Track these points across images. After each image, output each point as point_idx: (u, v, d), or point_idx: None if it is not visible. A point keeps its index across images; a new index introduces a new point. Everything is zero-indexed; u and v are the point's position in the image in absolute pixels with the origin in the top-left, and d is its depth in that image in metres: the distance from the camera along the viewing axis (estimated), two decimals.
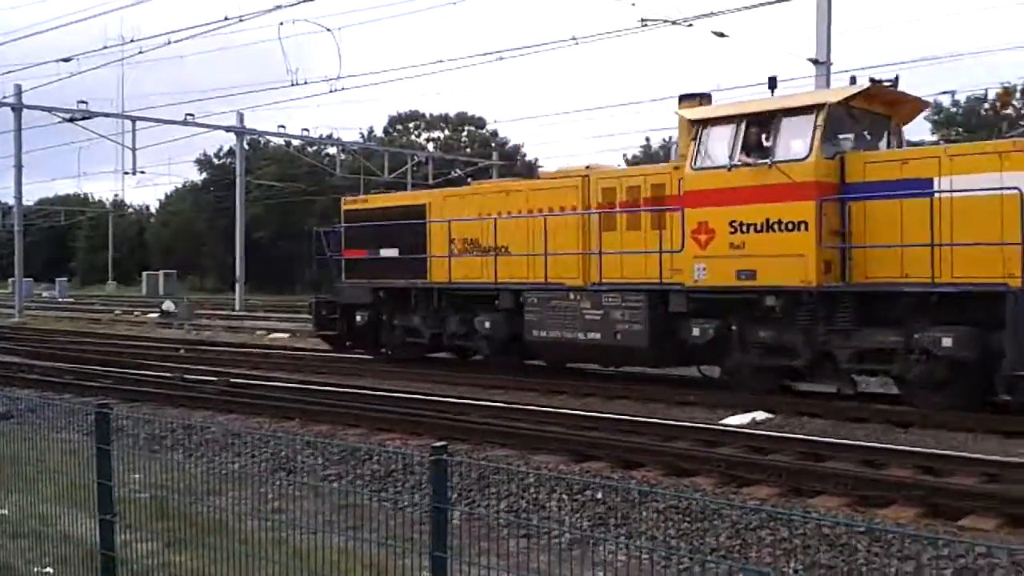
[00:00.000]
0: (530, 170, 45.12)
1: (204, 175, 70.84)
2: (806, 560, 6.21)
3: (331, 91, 29.77)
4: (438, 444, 4.12)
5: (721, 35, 21.29)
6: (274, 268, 57.39)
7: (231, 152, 55.10)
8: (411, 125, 66.85)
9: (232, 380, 14.68)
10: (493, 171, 41.36)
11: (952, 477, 7.96)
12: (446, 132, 65.47)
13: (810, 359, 12.03)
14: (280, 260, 56.87)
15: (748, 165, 12.17)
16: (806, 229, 11.66)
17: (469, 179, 29.91)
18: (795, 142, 11.95)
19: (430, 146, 59.45)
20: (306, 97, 60.13)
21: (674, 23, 20.90)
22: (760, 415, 11.28)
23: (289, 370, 16.97)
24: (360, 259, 17.72)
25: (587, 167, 15.28)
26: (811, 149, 11.65)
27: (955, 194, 10.80)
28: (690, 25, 21.01)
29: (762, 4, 19.87)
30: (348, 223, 18.08)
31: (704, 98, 13.63)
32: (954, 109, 44.05)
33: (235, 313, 34.98)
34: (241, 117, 37.45)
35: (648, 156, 54.14)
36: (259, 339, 24.63)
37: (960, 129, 40.43)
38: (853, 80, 12.63)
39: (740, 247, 12.30)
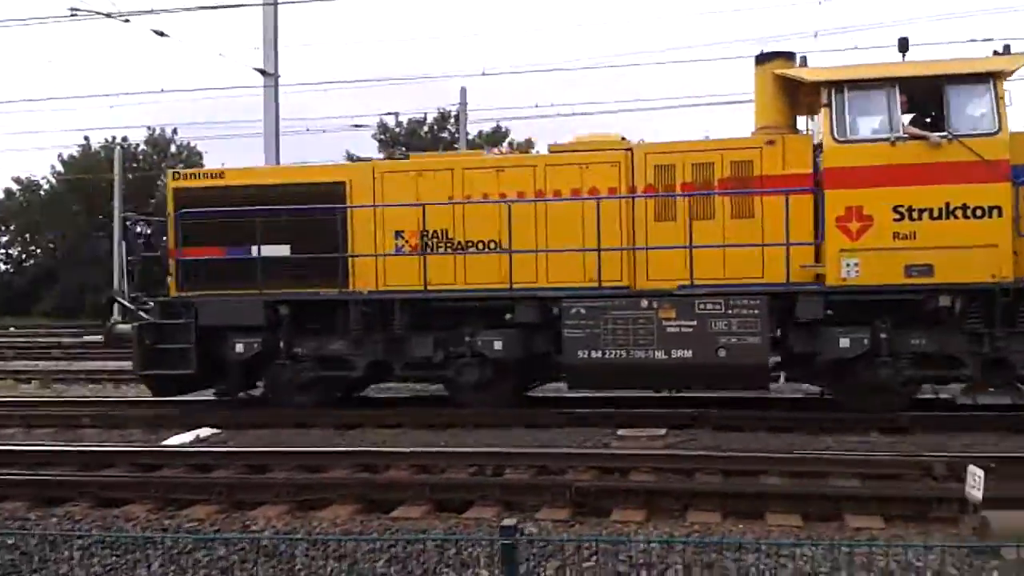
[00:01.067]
0: None
1: None
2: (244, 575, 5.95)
3: None
4: None
5: (161, 34, 20.26)
6: None
7: None
8: None
9: None
10: None
11: (387, 472, 8.38)
12: None
13: (979, 368, 10.42)
14: None
15: (920, 139, 10.31)
16: (1000, 215, 10.06)
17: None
18: (972, 113, 10.36)
19: None
20: None
21: (108, 16, 19.36)
22: (205, 431, 10.81)
23: None
24: (215, 261, 12.18)
25: (623, 138, 11.90)
26: (999, 122, 10.11)
27: None
28: (127, 20, 19.67)
29: (206, 7, 19.33)
30: (186, 209, 12.29)
31: (789, 57, 11.40)
32: (397, 128, 48.59)
33: None
34: None
35: (87, 157, 49.81)
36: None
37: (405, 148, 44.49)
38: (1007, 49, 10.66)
39: (910, 236, 10.29)
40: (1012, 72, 10.46)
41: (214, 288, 12.10)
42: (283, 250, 12.06)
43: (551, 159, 11.85)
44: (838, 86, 10.64)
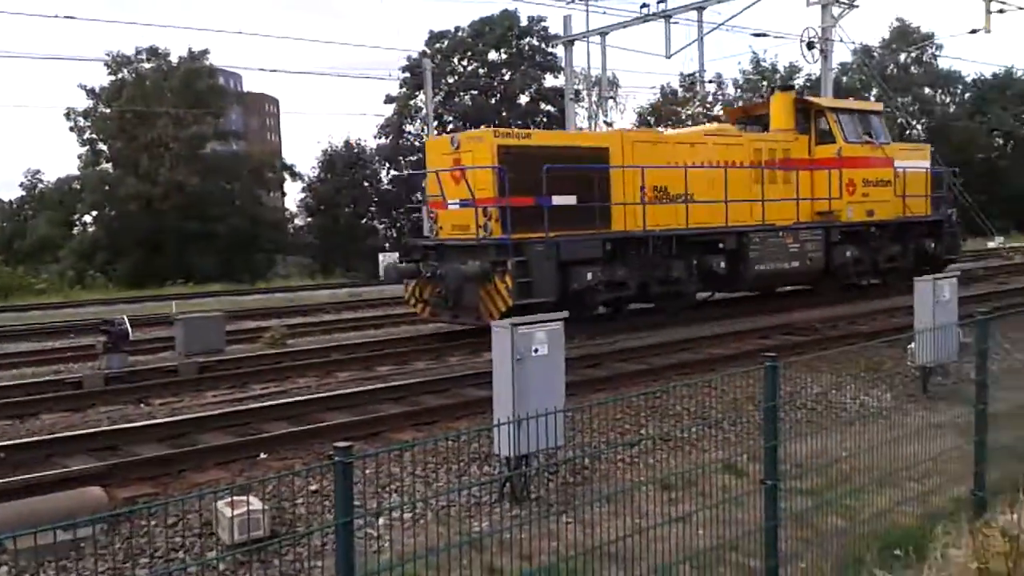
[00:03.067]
0: None
1: None
2: None
3: None
4: None
5: None
6: None
7: None
8: None
9: None
10: None
11: None
12: None
13: (885, 265, 19.78)
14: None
15: (870, 144, 19.20)
16: (891, 185, 19.46)
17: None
18: (881, 131, 19.96)
19: None
20: None
21: None
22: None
23: None
24: (527, 208, 13.97)
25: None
26: (888, 137, 20.48)
27: None
28: None
29: None
30: (505, 163, 13.89)
31: (792, 88, 22.14)
32: None
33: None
34: None
35: None
36: None
37: None
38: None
39: (868, 196, 18.98)
40: (882, 111, 20.83)
41: (531, 231, 14.01)
42: (571, 199, 14.69)
43: (717, 139, 17.45)
44: (840, 112, 18.96)
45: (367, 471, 7.31)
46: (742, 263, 16.74)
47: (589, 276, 14.50)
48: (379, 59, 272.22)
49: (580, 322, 13.72)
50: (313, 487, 7.16)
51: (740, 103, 61.50)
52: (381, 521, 6.74)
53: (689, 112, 61.07)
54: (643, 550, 4.82)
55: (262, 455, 8.20)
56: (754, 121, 19.48)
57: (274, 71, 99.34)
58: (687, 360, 12.46)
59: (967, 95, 65.19)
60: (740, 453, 7.24)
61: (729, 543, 5.16)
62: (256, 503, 6.37)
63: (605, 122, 57.64)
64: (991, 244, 37.69)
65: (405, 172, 51.09)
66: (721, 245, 16.54)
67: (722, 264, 16.44)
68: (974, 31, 28.87)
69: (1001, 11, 27.58)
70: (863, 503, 5.78)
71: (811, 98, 19.56)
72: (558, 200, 14.34)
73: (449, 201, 14.79)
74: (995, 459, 6.53)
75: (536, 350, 7.06)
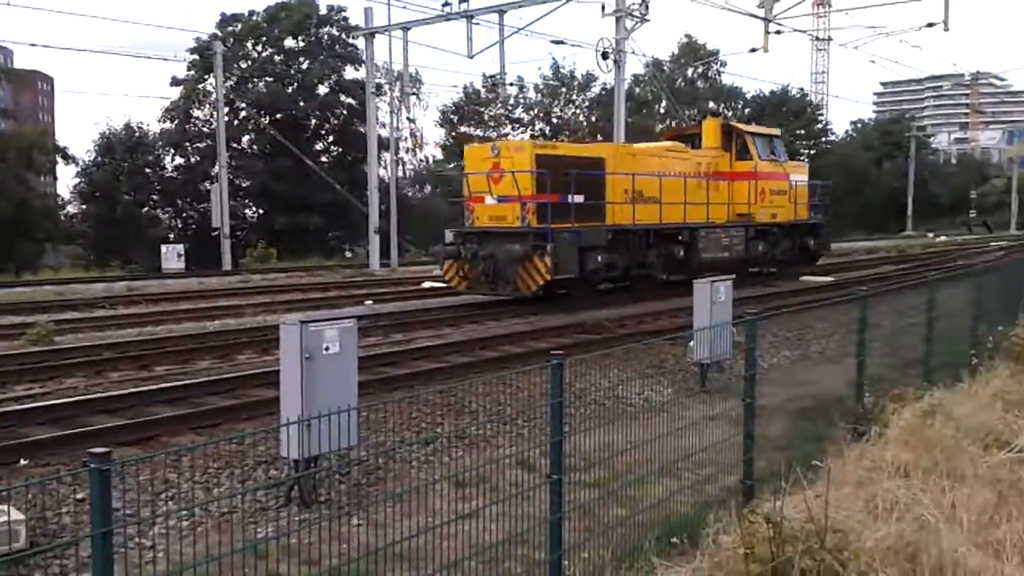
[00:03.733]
0: None
1: None
2: None
3: None
4: None
5: None
6: None
7: None
8: None
9: None
10: None
11: None
12: None
13: (779, 259, 25.21)
14: None
15: (775, 161, 24.52)
16: (786, 194, 24.79)
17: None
18: (781, 150, 25.83)
19: None
20: None
21: None
22: None
23: None
24: (555, 204, 17.90)
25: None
26: (785, 155, 26.74)
27: None
28: None
29: None
30: (540, 168, 17.91)
31: (719, 115, 31.21)
32: None
33: None
34: None
35: None
36: None
37: None
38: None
39: (772, 202, 24.08)
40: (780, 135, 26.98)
41: (557, 223, 17.81)
42: (580, 198, 18.43)
43: (674, 154, 22.00)
44: (755, 135, 24.10)
45: (140, 477, 6.85)
46: (693, 252, 21.28)
47: (599, 259, 18.79)
48: (166, 39, 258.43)
49: (591, 295, 18.92)
50: (80, 495, 6.61)
51: (537, 108, 63.27)
52: (156, 530, 6.32)
53: (492, 113, 62.09)
54: (433, 548, 4.77)
55: (22, 461, 7.52)
56: (685, 139, 23.67)
57: (47, 47, 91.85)
58: (485, 358, 12.58)
59: (747, 110, 70.25)
60: (532, 448, 7.36)
61: (518, 537, 5.21)
62: (16, 513, 5.83)
63: (408, 118, 57.60)
64: None
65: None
66: (680, 238, 21.03)
67: (681, 253, 21.02)
68: (753, 50, 31.16)
69: (778, 32, 29.89)
70: (644, 493, 6.01)
71: (733, 123, 25.59)
72: (578, 198, 18.37)
73: (487, 197, 18.46)
74: (763, 449, 7.00)
75: (327, 348, 6.85)
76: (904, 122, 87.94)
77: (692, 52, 66.59)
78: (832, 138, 78.72)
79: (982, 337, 10.77)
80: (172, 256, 37.05)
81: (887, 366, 10.12)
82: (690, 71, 66.79)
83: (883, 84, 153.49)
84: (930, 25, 29.29)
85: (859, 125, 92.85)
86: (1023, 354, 9.89)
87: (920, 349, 10.28)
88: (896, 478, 5.90)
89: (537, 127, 63.78)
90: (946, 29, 28.06)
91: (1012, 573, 4.83)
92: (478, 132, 62.53)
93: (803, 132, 71.38)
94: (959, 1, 31.15)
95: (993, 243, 47.67)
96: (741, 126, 24.81)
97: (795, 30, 31.57)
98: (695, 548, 5.14)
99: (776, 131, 26.55)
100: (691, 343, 11.01)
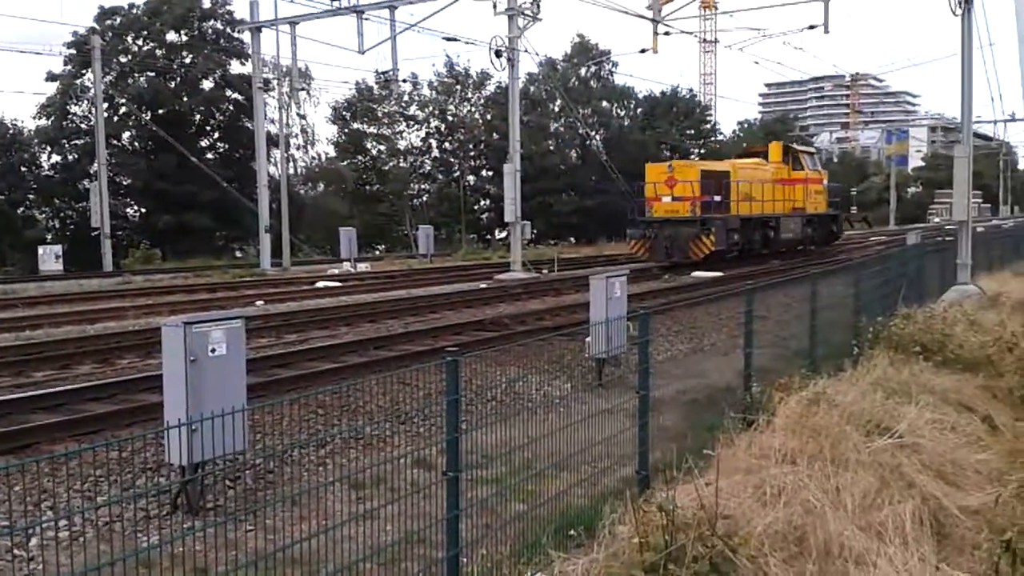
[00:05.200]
0: None
1: None
2: None
3: None
4: None
5: None
6: None
7: None
8: None
9: None
10: None
11: None
12: None
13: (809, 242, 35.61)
14: None
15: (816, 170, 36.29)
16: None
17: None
18: (815, 159, 37.91)
19: None
20: None
21: None
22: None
23: None
24: (710, 201, 28.00)
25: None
26: (819, 165, 39.24)
27: None
28: None
29: None
30: (705, 180, 28.16)
31: (780, 138, 45.90)
32: None
33: None
34: None
35: None
36: None
37: None
38: None
39: (814, 199, 34.85)
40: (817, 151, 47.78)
41: (713, 213, 27.84)
42: (718, 198, 28.31)
43: (764, 167, 32.62)
44: (803, 153, 35.58)
45: (16, 487, 6.49)
46: (777, 234, 31.33)
47: (735, 237, 28.57)
48: (40, 32, 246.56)
49: (719, 261, 27.48)
50: None
51: (432, 106, 62.97)
52: (33, 542, 6.00)
53: (386, 110, 61.43)
54: (329, 551, 4.65)
55: None
56: (757, 155, 34.38)
57: None
58: (381, 357, 12.41)
59: (639, 110, 71.57)
60: (430, 447, 7.29)
61: (415, 536, 5.13)
62: None
63: (298, 114, 56.30)
64: None
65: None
66: (770, 224, 31.04)
67: (771, 235, 30.99)
68: (643, 51, 31.76)
69: (667, 33, 30.55)
70: (542, 488, 6.02)
71: (791, 144, 37.16)
72: (718, 198, 28.29)
73: (664, 198, 28.15)
74: (657, 440, 7.11)
75: (213, 350, 6.61)
76: (788, 122, 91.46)
77: (584, 52, 67.40)
78: (720, 138, 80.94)
79: (863, 328, 11.20)
80: (50, 257, 35.39)
81: (774, 356, 10.45)
82: (583, 71, 67.58)
83: (768, 85, 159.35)
84: (811, 27, 30.41)
85: (745, 125, 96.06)
86: (902, 343, 10.33)
87: (805, 340, 10.64)
88: (783, 465, 6.06)
89: (432, 125, 63.49)
90: (826, 31, 29.12)
91: (894, 554, 5.02)
92: (372, 130, 61.86)
93: (692, 132, 73.16)
94: (838, 4, 32.81)
95: (873, 238, 50.06)
96: (796, 147, 36.85)
97: (683, 31, 32.35)
98: (592, 539, 5.17)
99: (813, 149, 40.96)
100: (588, 339, 11.12)
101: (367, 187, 61.66)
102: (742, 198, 29.21)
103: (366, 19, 28.24)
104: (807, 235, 34.10)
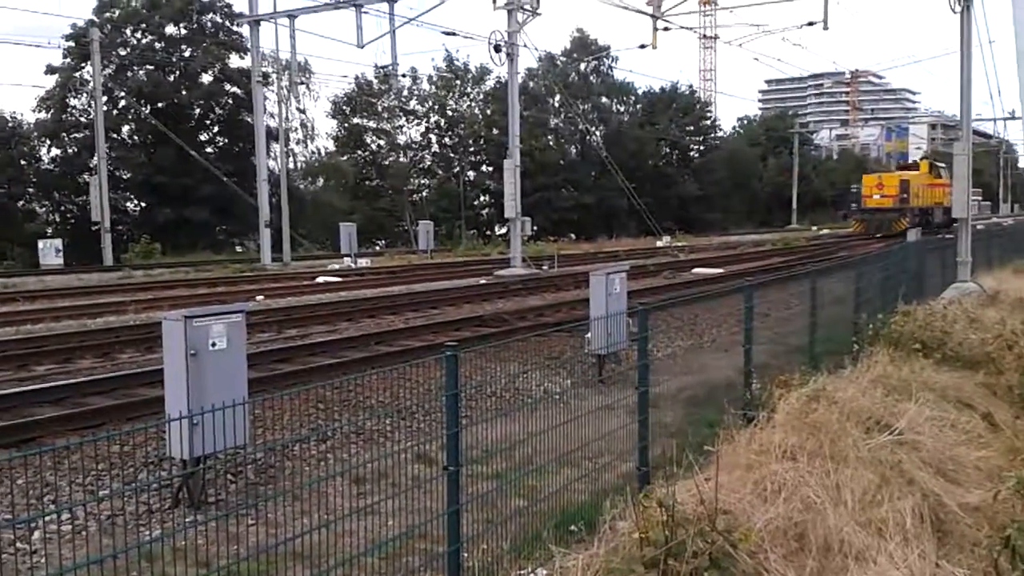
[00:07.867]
0: None
1: None
2: None
3: None
4: None
5: None
6: None
7: None
8: None
9: None
10: None
11: None
12: None
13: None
14: None
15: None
16: None
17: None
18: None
19: None
20: None
21: None
22: None
23: None
24: (903, 198, 46.70)
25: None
26: None
27: None
28: None
29: None
30: (901, 184, 47.42)
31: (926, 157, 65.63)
32: None
33: None
34: None
35: None
36: None
37: None
38: None
39: (945, 197, 43.90)
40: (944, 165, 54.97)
41: (903, 205, 47.69)
42: (905, 195, 47.92)
43: (928, 177, 51.34)
44: (940, 167, 51.14)
45: (19, 480, 6.51)
46: (932, 220, 46.66)
47: (916, 220, 45.26)
48: (40, 24, 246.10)
49: (901, 236, 38.71)
50: None
51: (431, 100, 62.84)
52: (36, 535, 6.02)
53: (386, 104, 61.36)
54: (331, 546, 4.67)
55: None
56: (912, 168, 52.22)
57: None
58: (382, 352, 12.43)
59: (639, 106, 71.54)
60: (431, 442, 7.31)
61: (416, 531, 5.15)
62: None
63: (297, 108, 56.22)
64: (659, 243, 41.63)
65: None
66: (929, 212, 47.54)
67: (930, 219, 46.24)
68: (643, 46, 31.72)
69: (666, 29, 30.57)
70: (543, 483, 6.04)
71: (934, 162, 52.02)
72: (905, 196, 46.77)
73: (875, 195, 47.70)
74: (657, 436, 7.13)
75: (213, 344, 6.62)
76: (788, 119, 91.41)
77: (584, 47, 67.33)
78: (720, 134, 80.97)
79: (862, 325, 11.21)
80: (50, 251, 35.38)
81: (774, 353, 10.46)
82: (583, 66, 67.50)
83: (767, 82, 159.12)
84: (810, 24, 30.48)
85: (745, 122, 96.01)
86: (902, 341, 10.34)
87: (805, 336, 10.65)
88: (783, 461, 6.07)
89: (432, 119, 63.43)
90: (826, 28, 29.25)
91: (894, 550, 5.04)
92: (372, 124, 61.79)
93: (692, 128, 73.12)
94: (837, 0, 32.70)
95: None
96: (938, 164, 51.75)
97: (683, 27, 32.40)
98: (593, 535, 5.18)
99: (943, 164, 49.56)
100: (588, 335, 11.13)
101: (367, 182, 61.62)
102: (915, 196, 47.42)
103: (365, 13, 28.24)
104: (943, 220, 45.62)
